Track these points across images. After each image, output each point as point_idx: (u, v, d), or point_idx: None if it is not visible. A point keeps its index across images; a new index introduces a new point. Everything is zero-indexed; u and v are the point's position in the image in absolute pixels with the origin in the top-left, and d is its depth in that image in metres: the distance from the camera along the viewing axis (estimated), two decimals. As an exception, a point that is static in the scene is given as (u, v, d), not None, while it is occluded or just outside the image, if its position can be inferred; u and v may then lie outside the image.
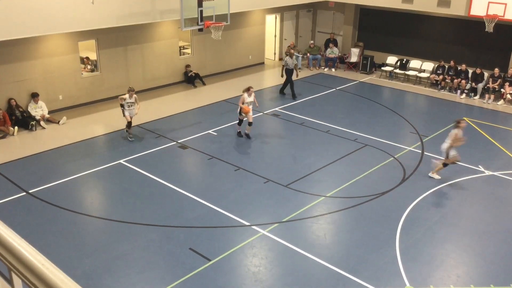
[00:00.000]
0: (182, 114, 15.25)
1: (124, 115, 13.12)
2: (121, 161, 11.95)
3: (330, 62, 21.10)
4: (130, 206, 10.00)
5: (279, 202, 10.31)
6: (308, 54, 21.28)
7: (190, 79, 18.13)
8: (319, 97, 17.37)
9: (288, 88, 17.26)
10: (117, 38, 15.95)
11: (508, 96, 17.16)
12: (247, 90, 13.38)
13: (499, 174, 11.79)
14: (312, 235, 9.20)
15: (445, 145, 11.15)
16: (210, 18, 14.92)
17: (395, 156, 12.58)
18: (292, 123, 14.78)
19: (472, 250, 8.85)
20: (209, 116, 15.19)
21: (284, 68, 17.05)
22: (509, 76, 17.35)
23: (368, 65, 20.51)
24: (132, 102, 12.99)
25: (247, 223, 9.44)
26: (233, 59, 20.22)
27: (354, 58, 21.06)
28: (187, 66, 18.26)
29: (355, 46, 21.42)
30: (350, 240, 9.08)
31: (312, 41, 21.97)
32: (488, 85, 17.57)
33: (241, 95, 13.45)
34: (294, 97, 17.08)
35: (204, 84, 18.36)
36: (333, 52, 21.14)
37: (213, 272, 8.00)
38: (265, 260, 8.38)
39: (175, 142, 13.10)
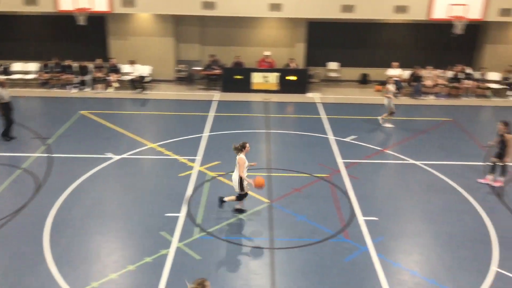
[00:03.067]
0: None
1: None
2: None
3: None
4: None
5: None
6: None
7: None
8: None
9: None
10: None
11: (115, 83, 18.49)
12: (243, 148, 9.27)
13: (127, 155, 12.63)
14: None
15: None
16: None
17: (23, 167, 11.69)
18: None
19: (124, 231, 9.24)
20: None
21: None
22: (110, 65, 18.63)
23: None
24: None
25: None
26: None
27: None
28: None
29: None
30: (-5, 273, 7.98)
31: None
32: (95, 76, 18.41)
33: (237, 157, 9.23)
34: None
35: None
36: None
37: None
38: None
39: None
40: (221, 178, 11.41)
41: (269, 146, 13.50)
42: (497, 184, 11.22)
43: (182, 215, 9.78)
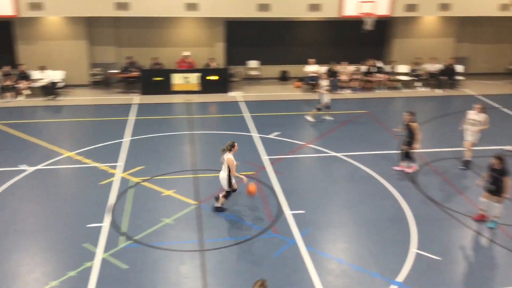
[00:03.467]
0: None
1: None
2: None
3: None
4: None
5: None
6: None
7: None
8: None
9: None
10: None
11: (26, 91, 17.45)
12: (232, 147, 9.46)
13: (43, 166, 11.94)
14: None
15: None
16: None
17: None
18: None
19: (44, 246, 8.73)
20: None
21: None
22: (19, 72, 17.60)
23: None
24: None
25: None
26: None
27: None
28: None
29: None
30: None
31: None
32: (3, 84, 17.26)
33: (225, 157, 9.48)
34: None
35: None
36: None
37: None
38: None
39: None
40: (145, 183, 11.13)
41: (193, 147, 13.36)
42: (410, 170, 11.91)
43: (105, 224, 9.41)
